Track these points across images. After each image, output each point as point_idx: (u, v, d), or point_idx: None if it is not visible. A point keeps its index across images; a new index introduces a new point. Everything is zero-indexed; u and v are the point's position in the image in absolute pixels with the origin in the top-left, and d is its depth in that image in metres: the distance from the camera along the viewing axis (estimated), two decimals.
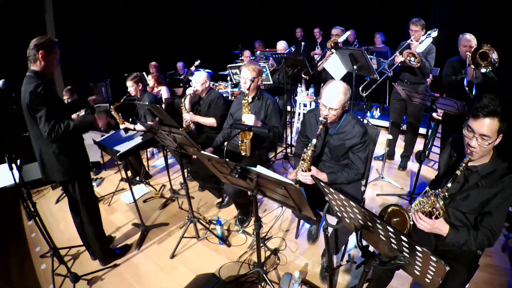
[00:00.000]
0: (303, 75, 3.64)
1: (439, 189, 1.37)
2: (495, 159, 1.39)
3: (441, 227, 1.36)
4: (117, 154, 2.32)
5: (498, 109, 1.24)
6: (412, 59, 2.89)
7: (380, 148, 3.66)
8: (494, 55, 2.18)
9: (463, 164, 1.33)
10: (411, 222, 1.39)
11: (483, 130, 1.27)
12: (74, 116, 3.04)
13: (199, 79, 2.94)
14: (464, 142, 1.37)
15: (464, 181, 1.46)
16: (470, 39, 2.66)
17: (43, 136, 1.84)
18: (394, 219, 1.41)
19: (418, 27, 2.94)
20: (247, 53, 5.10)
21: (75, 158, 2.02)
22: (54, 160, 1.92)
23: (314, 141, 1.86)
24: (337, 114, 1.88)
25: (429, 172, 3.39)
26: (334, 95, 1.82)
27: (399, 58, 3.05)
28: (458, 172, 1.32)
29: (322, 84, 3.47)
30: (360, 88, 3.22)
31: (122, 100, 3.21)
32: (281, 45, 4.31)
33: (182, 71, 5.93)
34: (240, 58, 5.50)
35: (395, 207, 1.41)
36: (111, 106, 3.26)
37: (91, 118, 1.97)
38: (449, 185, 1.32)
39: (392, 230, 0.99)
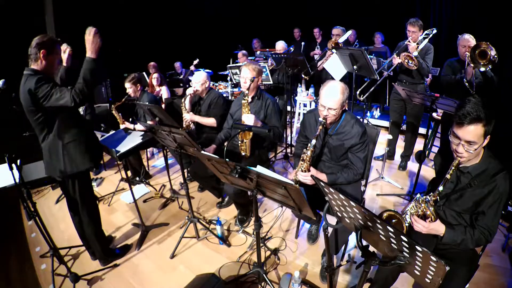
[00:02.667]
0: (303, 75, 3.64)
1: (431, 194, 1.40)
2: (486, 158, 1.40)
3: (437, 228, 1.39)
4: (117, 154, 2.32)
5: (481, 114, 1.24)
6: (410, 61, 2.89)
7: (380, 148, 3.66)
8: (493, 52, 2.19)
9: (452, 168, 1.34)
10: (406, 224, 1.41)
11: (469, 137, 1.28)
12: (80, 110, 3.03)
13: (198, 79, 2.94)
14: (451, 147, 1.38)
15: (456, 182, 1.47)
16: (468, 39, 2.66)
17: (50, 131, 1.85)
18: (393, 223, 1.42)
19: (415, 28, 2.94)
20: (240, 54, 5.08)
21: (87, 153, 2.01)
22: (59, 157, 1.91)
23: (313, 141, 1.86)
24: (337, 114, 1.88)
25: (429, 172, 3.39)
26: (332, 95, 1.83)
27: (396, 60, 3.06)
28: (448, 176, 1.34)
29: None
30: (358, 92, 3.23)
31: (123, 100, 3.22)
32: (280, 45, 4.31)
33: (180, 70, 5.94)
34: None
35: (391, 212, 1.43)
36: (112, 105, 3.27)
37: (87, 59, 1.78)
38: (440, 188, 1.35)
39: (392, 230, 0.99)
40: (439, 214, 1.51)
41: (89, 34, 1.75)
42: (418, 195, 1.46)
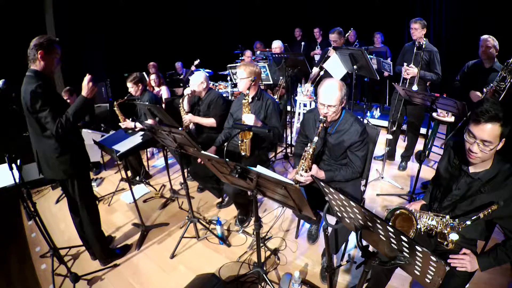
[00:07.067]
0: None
1: (457, 221, 1.36)
2: (497, 163, 1.37)
3: (474, 261, 1.39)
4: (117, 154, 2.32)
5: (499, 114, 1.22)
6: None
7: (380, 148, 3.66)
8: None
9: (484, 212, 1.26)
10: (418, 227, 1.38)
11: (485, 135, 1.25)
12: None
13: (196, 80, 2.94)
14: (465, 147, 1.35)
15: (467, 189, 1.44)
16: (487, 38, 2.68)
17: (45, 134, 1.85)
18: (402, 223, 1.40)
19: (417, 25, 2.98)
20: (248, 53, 5.09)
21: (76, 157, 2.02)
22: (55, 159, 1.92)
23: (315, 138, 1.86)
24: (337, 111, 1.89)
25: (429, 172, 3.39)
26: (331, 93, 1.83)
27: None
28: (481, 215, 1.27)
29: None
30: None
31: (126, 97, 3.23)
32: (276, 44, 4.30)
33: (181, 70, 5.93)
34: (240, 58, 5.49)
35: (404, 211, 1.39)
36: (115, 102, 3.27)
37: (80, 97, 1.93)
38: (468, 222, 1.30)
39: (392, 230, 0.99)
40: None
41: (85, 82, 1.92)
42: (446, 216, 1.41)
